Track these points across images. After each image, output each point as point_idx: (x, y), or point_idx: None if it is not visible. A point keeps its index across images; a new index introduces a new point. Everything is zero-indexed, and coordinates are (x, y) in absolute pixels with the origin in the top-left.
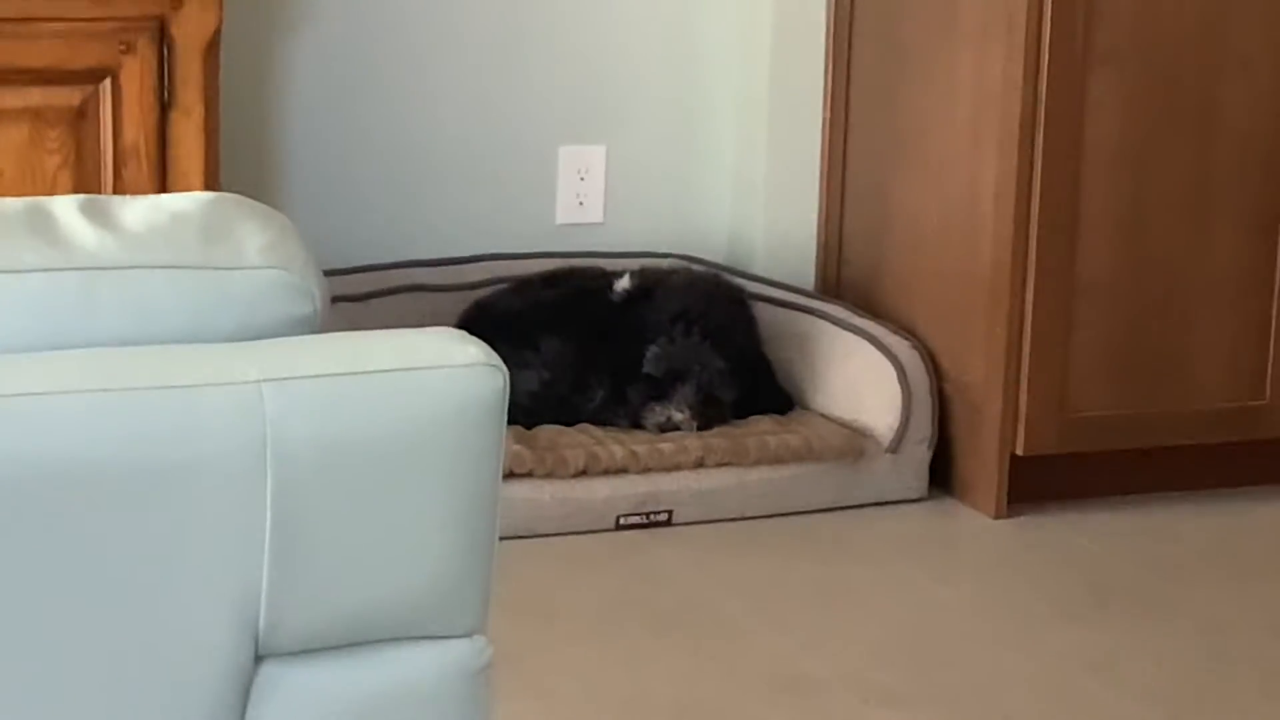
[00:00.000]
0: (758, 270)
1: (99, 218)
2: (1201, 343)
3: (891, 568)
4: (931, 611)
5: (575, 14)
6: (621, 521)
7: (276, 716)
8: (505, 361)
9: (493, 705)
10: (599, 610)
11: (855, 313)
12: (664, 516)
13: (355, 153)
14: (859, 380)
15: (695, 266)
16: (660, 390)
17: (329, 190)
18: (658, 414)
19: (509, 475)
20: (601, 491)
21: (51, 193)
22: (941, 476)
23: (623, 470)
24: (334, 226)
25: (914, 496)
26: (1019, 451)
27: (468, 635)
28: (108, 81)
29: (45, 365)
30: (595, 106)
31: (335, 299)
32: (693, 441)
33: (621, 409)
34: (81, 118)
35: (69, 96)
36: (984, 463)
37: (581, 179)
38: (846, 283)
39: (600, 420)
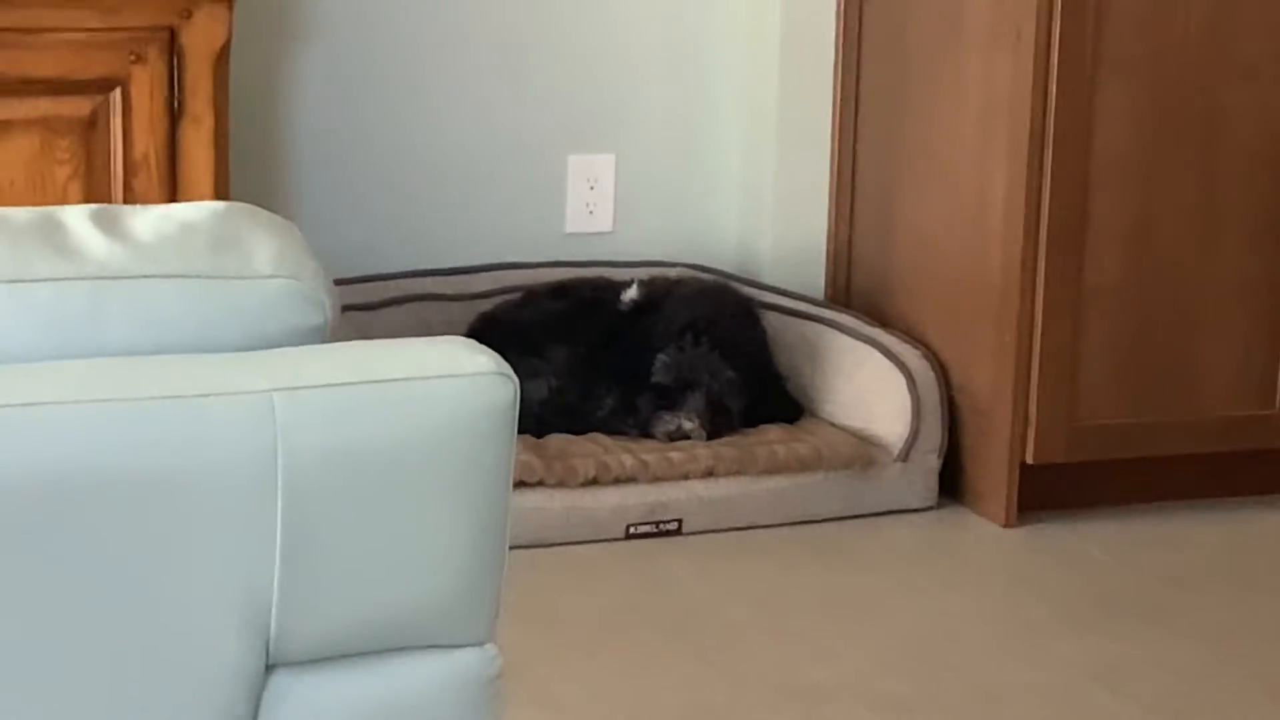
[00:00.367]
0: (767, 279)
1: (109, 227)
2: (1210, 351)
3: (901, 576)
4: (940, 620)
5: (584, 23)
6: (631, 530)
7: None
8: (514, 370)
9: (503, 714)
10: (608, 619)
11: (864, 321)
12: (674, 525)
13: (364, 162)
14: (868, 389)
15: (704, 275)
16: (670, 399)
17: (338, 199)
18: (667, 423)
19: (518, 484)
20: (611, 500)
21: (62, 202)
22: (951, 485)
23: (632, 479)
24: (343, 235)
25: (923, 505)
26: (1028, 460)
27: (478, 644)
28: (118, 91)
29: (55, 374)
30: (604, 115)
31: (344, 308)
32: (702, 450)
33: (631, 418)
34: (91, 128)
35: (79, 106)
36: (993, 471)
37: (591, 188)
38: (855, 291)
39: (609, 429)
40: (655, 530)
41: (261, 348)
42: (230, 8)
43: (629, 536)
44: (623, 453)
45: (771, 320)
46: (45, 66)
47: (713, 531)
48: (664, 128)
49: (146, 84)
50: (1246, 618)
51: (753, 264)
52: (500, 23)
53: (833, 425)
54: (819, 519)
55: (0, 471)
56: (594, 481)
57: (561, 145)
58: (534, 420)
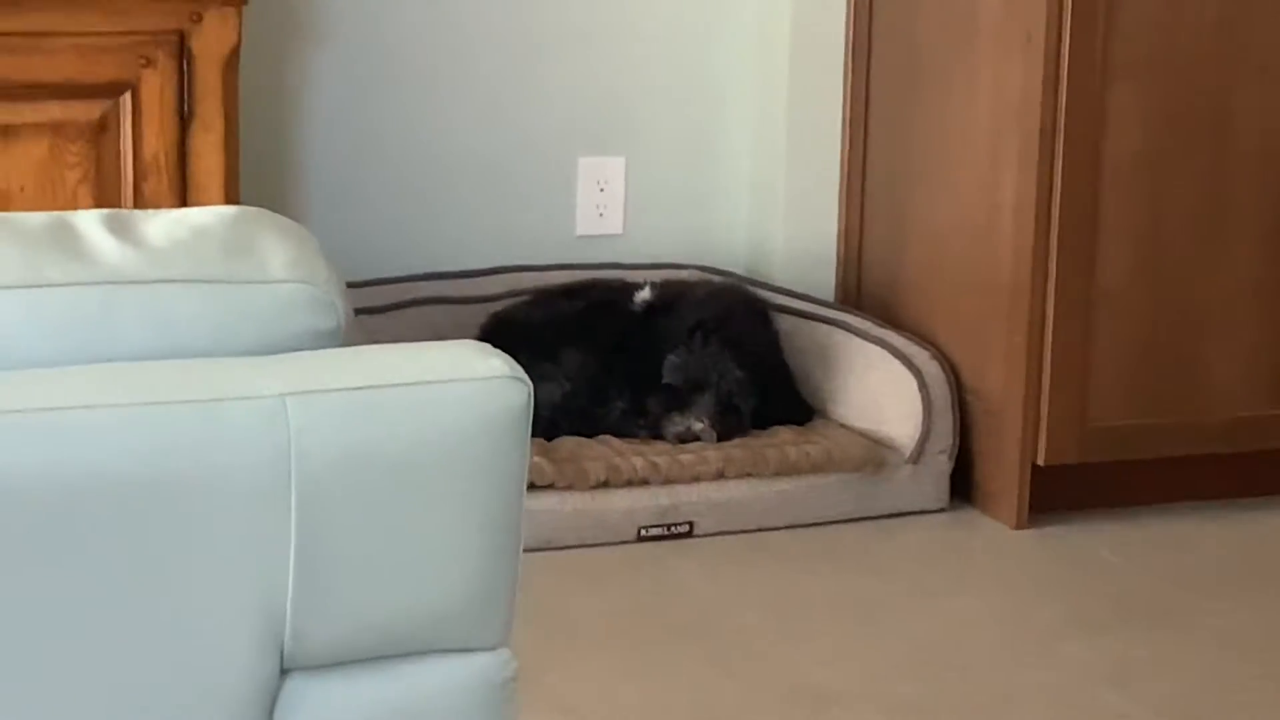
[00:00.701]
0: (777, 280)
1: (122, 232)
2: (1221, 352)
3: (912, 578)
4: (951, 622)
5: (594, 25)
6: (642, 533)
7: None
8: (525, 373)
9: (516, 718)
10: (619, 622)
11: (875, 323)
12: (685, 528)
13: (374, 165)
14: (879, 390)
15: (715, 277)
16: (680, 401)
17: (348, 203)
18: (678, 425)
19: (529, 487)
20: (622, 503)
21: (72, 207)
22: (962, 487)
23: (643, 482)
24: (353, 239)
25: (934, 507)
26: (1039, 462)
27: (492, 648)
28: (128, 95)
29: (69, 379)
30: (615, 117)
31: (355, 311)
32: (713, 452)
33: (641, 420)
34: (101, 132)
35: (89, 111)
36: (1004, 473)
37: (601, 190)
38: (866, 293)
39: (620, 431)
40: (666, 533)
41: (275, 352)
42: (240, 11)
43: (640, 539)
44: (634, 455)
45: (782, 322)
46: (55, 71)
47: (724, 534)
48: (674, 129)
49: (156, 88)
50: (1258, 619)
51: (763, 265)
52: (510, 25)
53: (843, 427)
54: (830, 521)
55: (15, 475)
56: (605, 484)
57: (572, 147)
58: (545, 423)
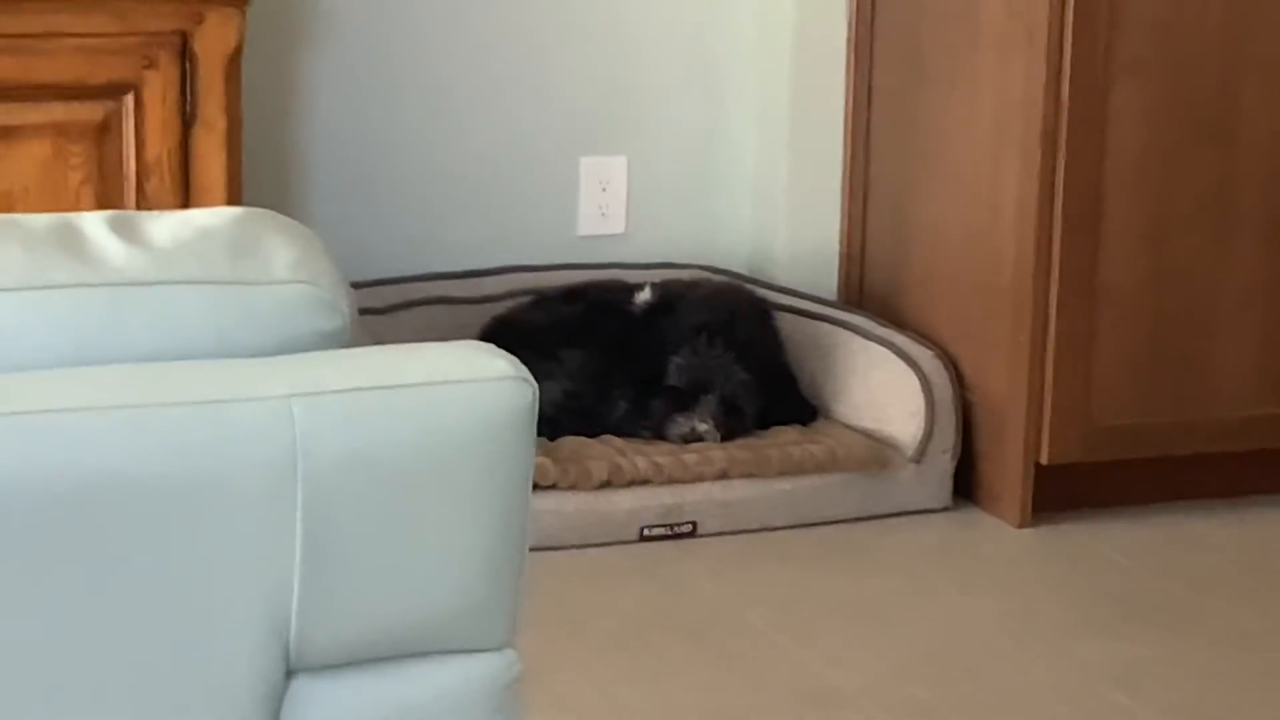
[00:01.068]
0: (780, 280)
1: (127, 233)
2: (1225, 350)
3: (916, 578)
4: (957, 622)
5: (596, 25)
6: (645, 533)
7: None
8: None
9: (522, 719)
10: (624, 622)
11: (878, 323)
12: (688, 528)
13: (377, 165)
14: (882, 390)
15: (717, 277)
16: (683, 401)
17: (350, 203)
18: (681, 425)
19: (533, 487)
20: (625, 503)
21: (74, 208)
22: (965, 486)
23: (646, 482)
24: (355, 239)
25: (938, 506)
26: (1043, 461)
27: (498, 649)
28: (130, 96)
29: (75, 381)
30: (617, 117)
31: (359, 312)
32: (716, 453)
33: (644, 420)
34: (104, 133)
35: (91, 111)
36: (1008, 472)
37: (603, 190)
38: (869, 292)
39: (623, 431)
40: (669, 533)
41: (280, 353)
42: (242, 12)
43: (643, 539)
44: (636, 455)
45: (785, 322)
46: (57, 72)
47: (727, 534)
48: (676, 129)
49: (159, 89)
50: (1265, 617)
51: (766, 265)
52: (512, 26)
53: (846, 427)
54: (833, 520)
55: (20, 477)
56: (608, 484)
57: (574, 147)
58: (547, 423)
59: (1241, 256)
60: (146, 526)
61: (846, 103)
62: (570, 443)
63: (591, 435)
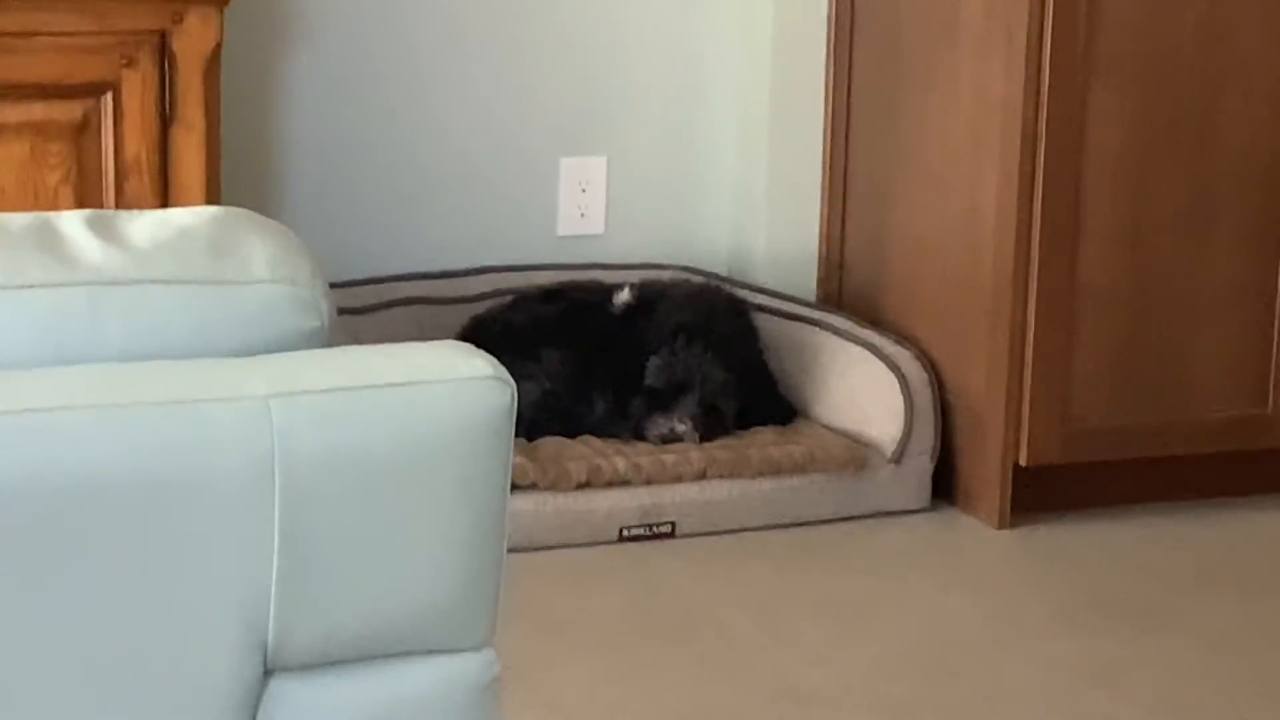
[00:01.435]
0: (759, 281)
1: (105, 232)
2: (1203, 352)
3: (895, 579)
4: (936, 622)
5: (576, 25)
6: (625, 533)
7: None
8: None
9: (501, 718)
10: (603, 623)
11: (857, 323)
12: (667, 528)
13: (356, 165)
14: (861, 391)
15: (696, 278)
16: (662, 402)
17: (330, 203)
18: (660, 426)
19: (511, 487)
20: (604, 504)
21: (52, 208)
22: (944, 487)
23: (625, 482)
24: (335, 239)
25: (917, 507)
26: (1022, 462)
27: (476, 649)
28: (109, 96)
29: (52, 381)
30: (596, 118)
31: (338, 311)
32: (695, 453)
33: (623, 421)
34: (83, 132)
35: (70, 111)
36: (987, 473)
37: (583, 190)
38: (848, 293)
39: (602, 432)
40: (649, 533)
41: (258, 353)
42: (221, 12)
43: (622, 539)
44: (616, 456)
45: (764, 322)
46: (36, 71)
47: (706, 534)
48: (656, 130)
49: (138, 88)
50: (1243, 618)
51: (745, 266)
52: (492, 26)
53: (825, 427)
54: (812, 521)
55: None
56: (587, 485)
57: (553, 148)
58: (526, 423)
59: (1220, 258)
60: (124, 526)
61: (826, 104)
62: (549, 443)
63: (570, 436)
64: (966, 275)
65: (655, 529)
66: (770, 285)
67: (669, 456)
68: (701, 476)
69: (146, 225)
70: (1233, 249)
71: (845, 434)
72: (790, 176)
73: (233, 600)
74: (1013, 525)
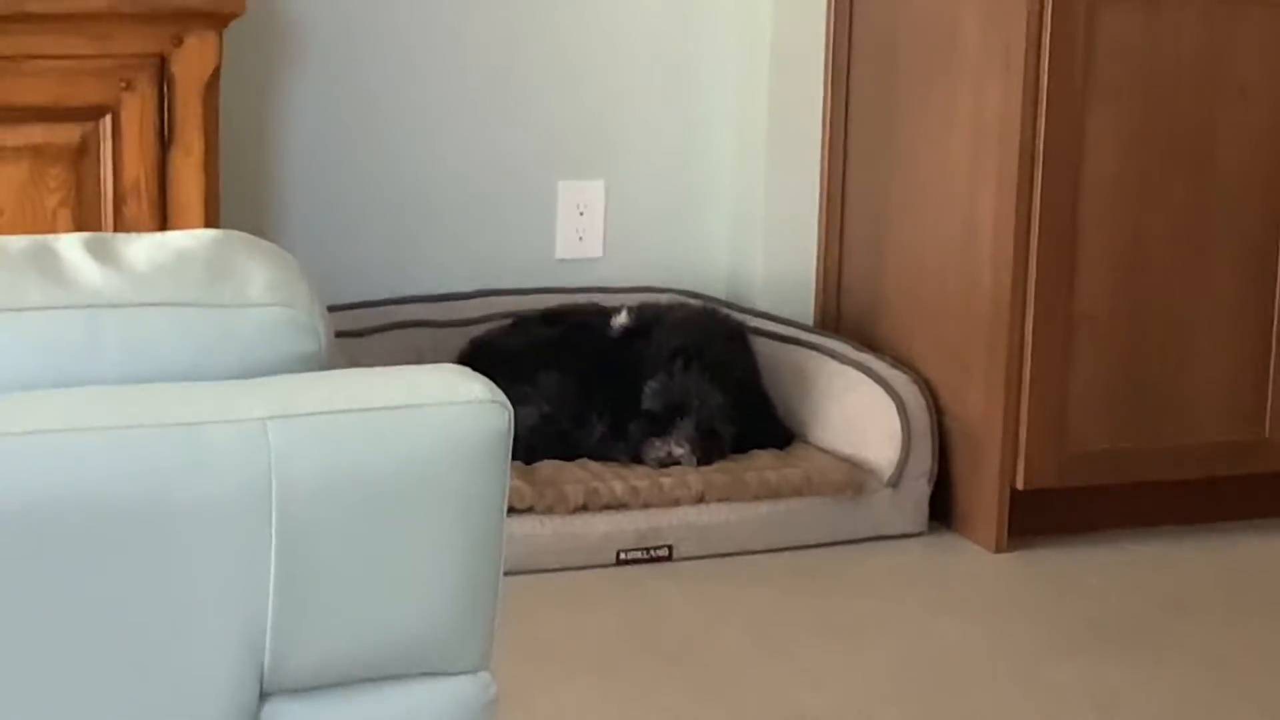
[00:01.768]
0: (757, 305)
1: (103, 255)
2: (1200, 377)
3: (893, 602)
4: (933, 646)
5: (575, 49)
6: (622, 556)
7: None
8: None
9: None
10: (600, 646)
11: (854, 347)
12: (665, 551)
13: (354, 188)
14: (858, 415)
15: (694, 301)
16: (660, 425)
17: (328, 226)
18: (658, 449)
19: (508, 510)
20: (601, 527)
21: (51, 230)
22: (941, 511)
23: (623, 505)
24: (333, 262)
25: (914, 531)
26: (1019, 485)
27: (473, 672)
28: (108, 119)
29: (51, 403)
30: (595, 141)
31: (335, 334)
32: (693, 476)
33: (621, 444)
34: (82, 155)
35: (69, 134)
36: (984, 497)
37: (581, 214)
38: (846, 317)
39: (600, 455)
40: (646, 556)
41: (256, 375)
42: (220, 35)
43: (620, 563)
44: (613, 479)
45: (762, 346)
46: (35, 94)
47: (704, 557)
48: (654, 154)
49: (137, 111)
50: (1239, 641)
51: (743, 289)
52: (490, 49)
53: (823, 451)
54: (810, 545)
55: None
56: (584, 508)
57: (551, 171)
58: (524, 446)
59: (1217, 282)
60: (120, 547)
61: (823, 128)
62: (547, 466)
63: (568, 459)
64: (964, 299)
65: (653, 552)
66: (768, 309)
67: (666, 480)
68: (699, 500)
69: (145, 248)
70: (1230, 273)
71: (842, 457)
72: (788, 200)
73: (229, 622)
74: (1010, 549)
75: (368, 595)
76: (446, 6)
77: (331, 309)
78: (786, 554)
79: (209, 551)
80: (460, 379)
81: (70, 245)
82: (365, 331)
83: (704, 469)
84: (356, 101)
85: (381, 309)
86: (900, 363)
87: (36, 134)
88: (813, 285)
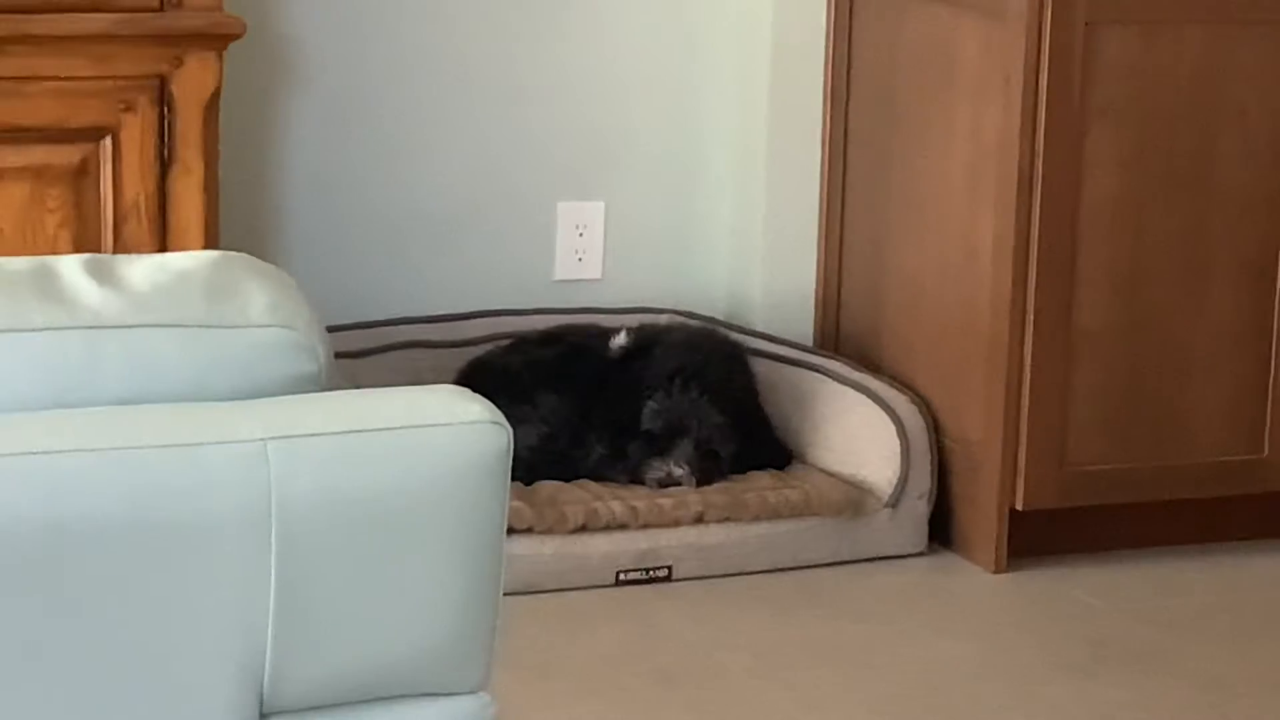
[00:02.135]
0: (756, 325)
1: (104, 276)
2: (1200, 396)
3: (892, 623)
4: (932, 667)
5: (574, 70)
6: (621, 577)
7: None
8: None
9: None
10: (600, 666)
11: (854, 367)
12: (664, 572)
13: (354, 209)
14: (858, 435)
15: (693, 322)
16: (659, 446)
17: (327, 247)
18: (657, 470)
19: (508, 531)
20: (601, 547)
21: (51, 251)
22: (941, 531)
23: (622, 526)
24: (332, 282)
25: (913, 551)
26: (1018, 506)
27: (472, 692)
28: (108, 140)
29: (50, 424)
30: (594, 162)
31: (335, 355)
32: (692, 497)
33: (620, 464)
34: (82, 176)
35: (69, 155)
36: (983, 517)
37: (580, 235)
38: (845, 337)
39: (599, 476)
40: (645, 577)
41: (256, 396)
42: (220, 56)
43: (619, 583)
44: (612, 499)
45: (761, 366)
46: (35, 115)
47: (703, 578)
48: (653, 175)
49: (137, 132)
50: (1239, 663)
51: (742, 310)
52: (489, 70)
53: (822, 471)
54: (809, 565)
55: None
56: (583, 528)
57: (550, 192)
58: (523, 467)
59: (1216, 302)
60: (120, 568)
61: (823, 148)
62: (546, 487)
63: (567, 479)
64: (963, 319)
65: (652, 572)
66: (767, 329)
67: (666, 500)
68: (698, 520)
69: (145, 269)
70: (1228, 293)
71: (842, 478)
72: (787, 220)
73: (229, 642)
74: (1009, 569)
75: (367, 615)
76: (446, 28)
77: (331, 330)
78: (786, 574)
79: (208, 572)
80: (460, 400)
81: (70, 266)
82: (365, 352)
83: (703, 489)
84: (356, 123)
85: (381, 330)
86: (899, 383)
87: (37, 155)
88: (812, 305)
